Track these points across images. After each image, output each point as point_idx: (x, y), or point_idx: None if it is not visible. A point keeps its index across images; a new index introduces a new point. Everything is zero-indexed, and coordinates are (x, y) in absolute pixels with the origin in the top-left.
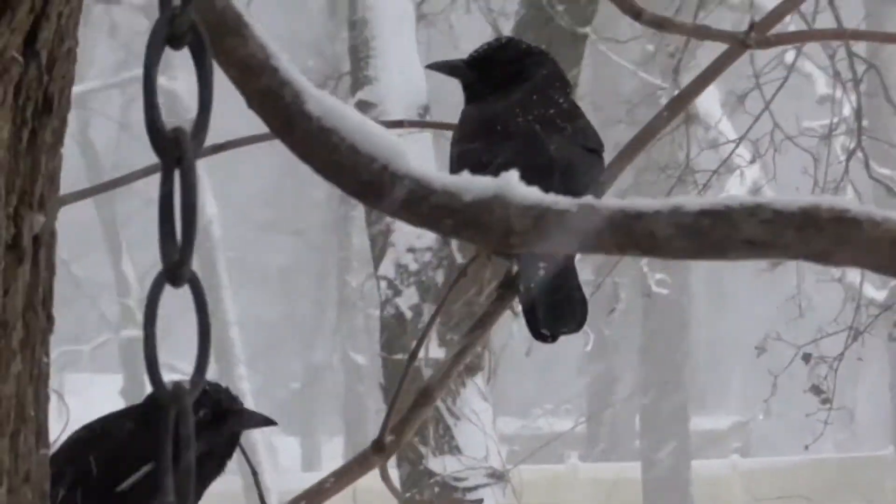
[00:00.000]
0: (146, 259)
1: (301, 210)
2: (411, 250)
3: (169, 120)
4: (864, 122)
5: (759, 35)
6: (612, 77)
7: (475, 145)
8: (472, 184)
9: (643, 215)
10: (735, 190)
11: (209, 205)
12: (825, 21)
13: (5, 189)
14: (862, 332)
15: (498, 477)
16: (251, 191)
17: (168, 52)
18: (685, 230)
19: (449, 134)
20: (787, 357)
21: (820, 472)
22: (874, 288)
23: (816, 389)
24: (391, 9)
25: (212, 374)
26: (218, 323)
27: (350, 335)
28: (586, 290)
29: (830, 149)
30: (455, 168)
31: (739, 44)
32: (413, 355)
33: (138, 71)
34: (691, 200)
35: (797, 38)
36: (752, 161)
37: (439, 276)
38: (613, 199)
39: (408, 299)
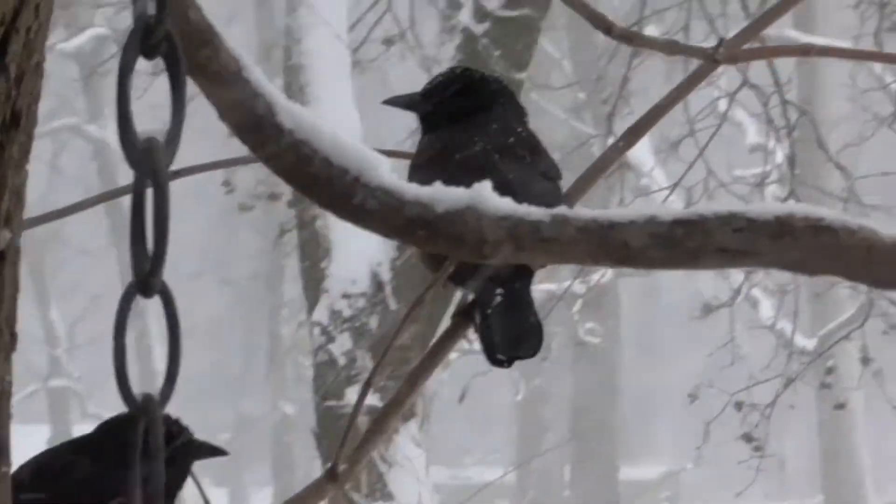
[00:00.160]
0: (75, 309)
1: (231, 259)
2: (346, 296)
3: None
4: (797, 170)
5: (727, 51)
6: (545, 126)
7: (432, 173)
8: (445, 195)
9: (616, 225)
10: None
11: None
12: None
13: None
14: (794, 380)
15: None
16: (180, 239)
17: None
18: (659, 239)
19: (405, 163)
20: (718, 405)
21: None
22: (805, 337)
23: (748, 437)
24: (326, 55)
25: None
26: (146, 373)
27: (279, 384)
28: None
29: (763, 197)
30: None
31: (709, 59)
32: (365, 390)
33: (69, 119)
34: (665, 210)
35: (765, 53)
36: (686, 208)
37: (373, 322)
38: (586, 209)
39: (341, 345)
